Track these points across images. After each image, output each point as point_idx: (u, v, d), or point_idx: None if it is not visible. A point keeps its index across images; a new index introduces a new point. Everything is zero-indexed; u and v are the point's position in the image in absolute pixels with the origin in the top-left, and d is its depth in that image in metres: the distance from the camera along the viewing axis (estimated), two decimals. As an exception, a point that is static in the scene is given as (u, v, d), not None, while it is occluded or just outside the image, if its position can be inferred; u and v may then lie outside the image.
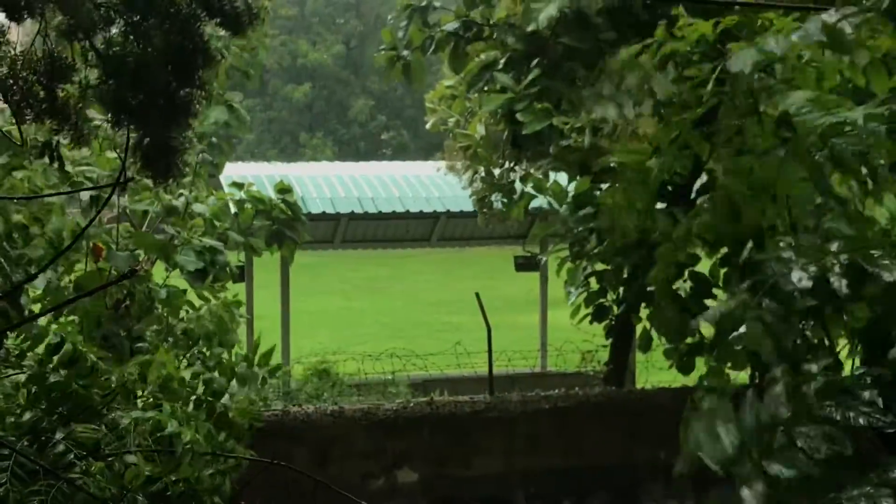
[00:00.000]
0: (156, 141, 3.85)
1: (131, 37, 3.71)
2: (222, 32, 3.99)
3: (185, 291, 7.35)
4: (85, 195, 7.05)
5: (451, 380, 12.94)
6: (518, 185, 10.82)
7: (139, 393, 4.63)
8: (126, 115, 3.74)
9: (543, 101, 9.49)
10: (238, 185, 9.39)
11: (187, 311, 7.08)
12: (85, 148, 7.02)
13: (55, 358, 4.45)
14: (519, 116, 9.55)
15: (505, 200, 10.92)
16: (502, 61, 10.03)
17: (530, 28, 9.36)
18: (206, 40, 3.79)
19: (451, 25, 10.46)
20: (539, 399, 10.79)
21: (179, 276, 7.55)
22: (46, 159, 5.34)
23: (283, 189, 9.74)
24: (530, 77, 9.61)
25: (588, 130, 9.26)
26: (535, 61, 9.70)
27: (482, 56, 10.33)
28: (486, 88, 10.24)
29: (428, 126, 11.23)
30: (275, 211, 9.33)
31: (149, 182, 7.48)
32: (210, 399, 5.33)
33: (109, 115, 3.77)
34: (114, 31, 3.76)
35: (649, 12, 10.10)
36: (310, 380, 12.89)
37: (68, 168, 6.98)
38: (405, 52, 10.81)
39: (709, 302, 8.46)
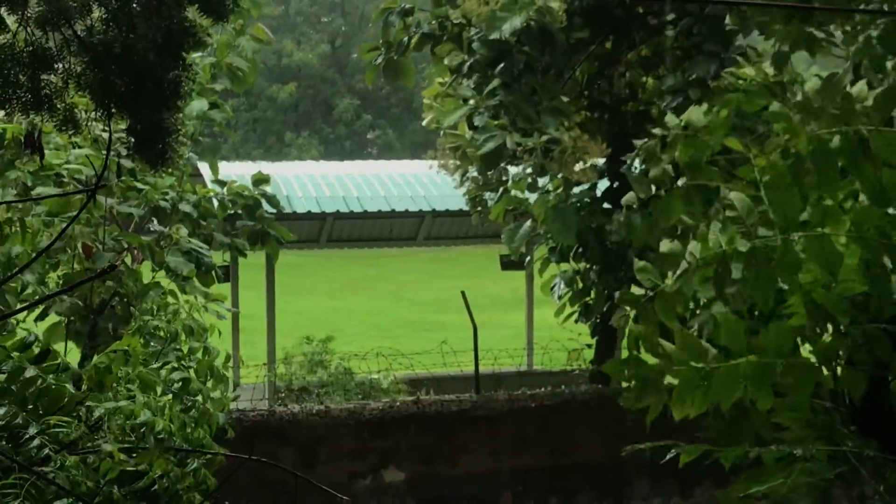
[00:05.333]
0: (147, 125, 3.82)
1: (113, 23, 3.67)
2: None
3: (163, 291, 7.29)
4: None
5: (437, 379, 12.94)
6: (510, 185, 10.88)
7: (112, 385, 4.59)
8: (114, 101, 3.71)
9: (502, 114, 9.57)
10: (221, 183, 9.35)
11: (162, 308, 7.02)
12: (75, 148, 7.04)
13: (23, 354, 4.42)
14: (475, 134, 9.63)
15: (497, 200, 10.99)
16: (467, 65, 10.10)
17: (493, 36, 9.44)
18: (193, 24, 3.77)
19: (427, 27, 10.55)
20: (525, 398, 10.82)
21: (164, 276, 7.53)
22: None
23: (260, 180, 9.66)
24: (490, 87, 9.69)
25: (539, 151, 9.35)
26: (498, 68, 9.77)
27: (447, 59, 10.41)
28: (449, 93, 10.32)
29: (424, 122, 11.28)
30: (258, 210, 9.29)
31: (136, 183, 7.52)
32: (187, 395, 5.31)
33: (96, 103, 3.73)
34: (95, 18, 3.72)
35: (624, 10, 10.18)
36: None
37: (53, 165, 6.96)
38: (384, 52, 10.90)
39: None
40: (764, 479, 3.77)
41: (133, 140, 3.86)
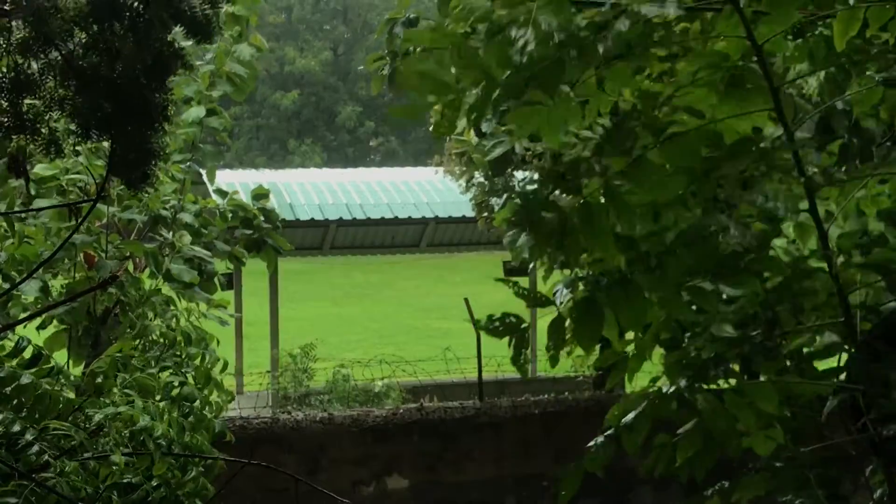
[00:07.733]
0: (132, 149, 3.81)
1: (101, 46, 3.66)
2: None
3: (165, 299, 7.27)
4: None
5: (440, 385, 12.92)
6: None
7: (110, 391, 4.58)
8: (100, 126, 3.70)
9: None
10: (222, 193, 9.34)
11: (161, 315, 7.00)
12: (75, 158, 7.04)
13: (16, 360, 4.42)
14: (483, 140, 9.60)
15: (502, 206, 10.98)
16: None
17: None
18: (181, 47, 3.76)
19: None
20: (529, 404, 10.80)
21: (165, 284, 7.52)
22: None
23: (260, 195, 9.65)
24: (496, 92, 9.67)
25: (548, 156, 9.32)
26: (506, 74, 9.75)
27: None
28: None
29: (432, 129, 11.30)
30: (256, 220, 9.27)
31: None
32: (185, 400, 5.29)
33: (79, 127, 3.71)
34: (79, 41, 3.71)
35: None
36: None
37: (54, 174, 6.97)
38: (390, 62, 10.89)
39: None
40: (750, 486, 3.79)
41: (116, 161, 3.85)
